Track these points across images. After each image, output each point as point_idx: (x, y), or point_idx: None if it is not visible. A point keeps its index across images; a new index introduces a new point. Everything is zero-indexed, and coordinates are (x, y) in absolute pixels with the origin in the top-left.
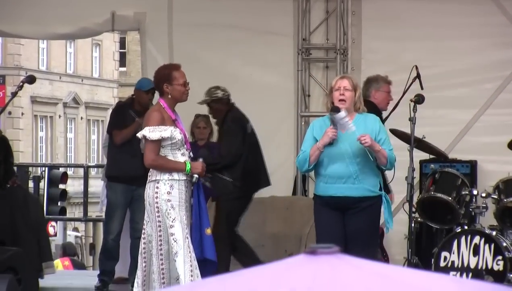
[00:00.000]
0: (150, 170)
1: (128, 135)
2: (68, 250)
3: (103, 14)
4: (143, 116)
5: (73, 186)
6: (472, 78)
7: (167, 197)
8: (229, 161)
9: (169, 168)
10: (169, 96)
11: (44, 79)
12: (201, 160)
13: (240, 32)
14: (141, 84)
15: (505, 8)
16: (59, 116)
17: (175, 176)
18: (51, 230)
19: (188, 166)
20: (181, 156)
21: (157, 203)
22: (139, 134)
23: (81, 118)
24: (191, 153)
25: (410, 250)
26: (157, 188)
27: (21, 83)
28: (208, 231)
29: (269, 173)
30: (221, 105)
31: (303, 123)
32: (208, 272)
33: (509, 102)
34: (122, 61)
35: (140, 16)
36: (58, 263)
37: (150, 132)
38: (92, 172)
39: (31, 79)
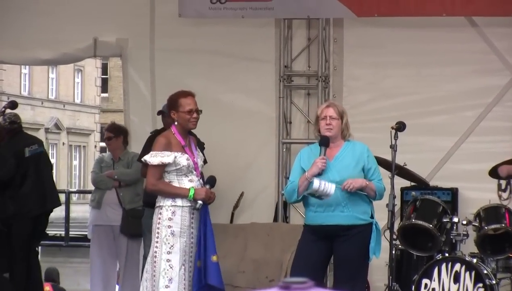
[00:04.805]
0: (158, 196)
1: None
2: (51, 275)
3: (85, 40)
4: None
5: (55, 211)
6: (454, 105)
7: (168, 223)
8: None
9: (169, 193)
10: (176, 123)
11: (26, 104)
12: (208, 186)
13: (222, 58)
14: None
15: (486, 35)
16: None
17: (178, 202)
18: None
19: (192, 192)
20: (188, 182)
21: (158, 228)
22: (142, 159)
23: (63, 143)
24: (200, 180)
25: (390, 277)
26: (160, 214)
27: (3, 109)
28: (214, 258)
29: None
30: (3, 132)
31: (284, 150)
32: None
33: (490, 130)
34: (104, 87)
35: (122, 42)
36: None
37: (151, 157)
38: (74, 197)
39: (13, 105)
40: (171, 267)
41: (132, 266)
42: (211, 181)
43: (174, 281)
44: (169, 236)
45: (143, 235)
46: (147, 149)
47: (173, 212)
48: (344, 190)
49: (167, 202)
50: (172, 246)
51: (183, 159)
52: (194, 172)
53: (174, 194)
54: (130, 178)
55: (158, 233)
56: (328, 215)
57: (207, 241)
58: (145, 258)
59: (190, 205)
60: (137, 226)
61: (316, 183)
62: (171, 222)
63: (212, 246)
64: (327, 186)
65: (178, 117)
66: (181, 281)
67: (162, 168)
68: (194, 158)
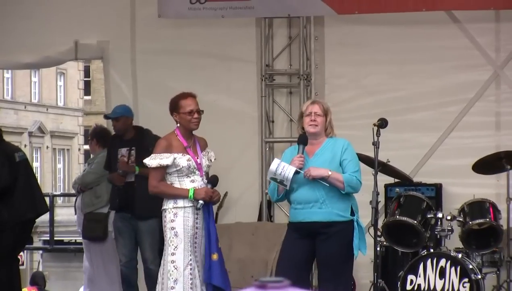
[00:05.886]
0: (162, 199)
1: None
2: (37, 279)
3: (66, 43)
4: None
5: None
6: (436, 101)
7: (171, 225)
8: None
9: (170, 194)
10: (178, 124)
11: (9, 108)
12: (209, 186)
13: (203, 59)
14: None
15: (467, 30)
16: (25, 145)
17: (180, 203)
18: None
19: (191, 192)
20: (190, 183)
21: (164, 231)
22: (143, 162)
23: (47, 147)
24: (204, 179)
25: (376, 274)
26: (165, 217)
27: None
28: (214, 256)
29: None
30: None
31: (267, 149)
32: None
33: (473, 125)
34: (87, 89)
35: (103, 44)
36: None
37: (151, 159)
38: (59, 200)
39: None
40: (175, 268)
41: (98, 270)
42: (212, 181)
43: (179, 282)
44: (172, 237)
45: (115, 239)
46: (107, 155)
47: (175, 214)
48: (306, 177)
49: (169, 205)
50: (176, 247)
51: (183, 160)
52: (197, 172)
53: (174, 194)
54: (81, 181)
55: (164, 236)
56: (307, 211)
57: (210, 240)
58: (121, 261)
59: (192, 205)
60: (93, 229)
61: (274, 165)
62: (174, 224)
63: (214, 244)
64: (285, 169)
65: (179, 119)
66: (187, 281)
67: (162, 170)
68: (197, 158)
